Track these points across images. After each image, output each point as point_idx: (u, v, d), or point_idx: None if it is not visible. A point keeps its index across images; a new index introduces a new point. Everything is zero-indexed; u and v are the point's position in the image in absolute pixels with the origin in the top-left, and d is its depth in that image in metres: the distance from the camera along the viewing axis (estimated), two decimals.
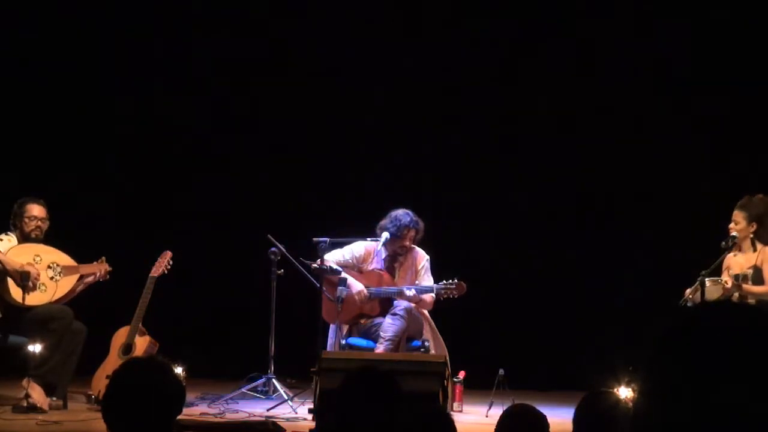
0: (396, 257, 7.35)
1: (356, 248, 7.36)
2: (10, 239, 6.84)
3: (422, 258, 7.39)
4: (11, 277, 6.65)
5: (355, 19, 8.89)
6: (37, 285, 6.70)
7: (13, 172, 8.19)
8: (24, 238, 6.85)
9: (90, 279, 6.95)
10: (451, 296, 7.19)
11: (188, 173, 8.96)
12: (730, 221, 6.54)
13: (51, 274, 6.81)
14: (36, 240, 6.87)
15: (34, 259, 6.76)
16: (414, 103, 8.80)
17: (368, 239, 7.32)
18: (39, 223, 6.88)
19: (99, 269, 6.94)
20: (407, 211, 7.23)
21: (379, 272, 7.32)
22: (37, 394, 6.45)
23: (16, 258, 6.69)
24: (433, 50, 8.89)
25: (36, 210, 6.90)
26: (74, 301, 6.93)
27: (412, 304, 7.17)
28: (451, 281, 7.19)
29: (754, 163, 8.05)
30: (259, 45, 9.00)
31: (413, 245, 7.32)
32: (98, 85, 8.87)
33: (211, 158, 8.99)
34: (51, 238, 6.98)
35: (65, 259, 6.91)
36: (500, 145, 8.80)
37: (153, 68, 8.92)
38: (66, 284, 6.86)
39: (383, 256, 7.30)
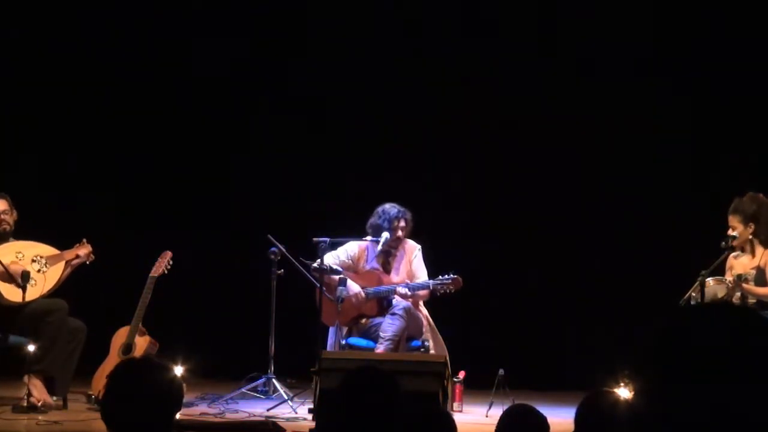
0: (390, 252, 7.35)
1: (350, 248, 7.36)
2: None
3: (413, 249, 7.40)
4: (1, 279, 6.64)
5: (355, 19, 8.89)
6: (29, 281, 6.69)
7: (13, 172, 8.17)
8: None
9: (76, 261, 6.93)
10: (447, 291, 7.18)
11: (188, 173, 8.96)
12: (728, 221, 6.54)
13: (37, 267, 6.79)
14: (5, 234, 6.85)
15: (16, 257, 6.75)
16: (414, 102, 8.80)
17: (367, 239, 7.32)
18: (3, 216, 6.83)
19: (82, 251, 6.93)
20: (392, 203, 7.26)
21: (377, 272, 7.32)
22: (38, 391, 6.45)
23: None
24: (432, 50, 8.88)
25: None
26: (73, 299, 6.92)
27: (410, 303, 7.17)
28: (447, 276, 7.19)
29: (753, 162, 8.04)
30: (259, 45, 8.99)
31: (405, 238, 7.32)
32: (98, 83, 8.87)
33: (211, 158, 8.98)
34: (51, 238, 6.97)
35: (47, 250, 6.89)
36: (500, 144, 8.79)
37: (154, 65, 8.92)
38: (54, 274, 6.84)
39: (375, 254, 7.30)
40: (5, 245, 6.82)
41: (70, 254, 6.91)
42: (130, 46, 8.91)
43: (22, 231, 6.95)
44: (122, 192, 8.84)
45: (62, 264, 6.88)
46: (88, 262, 6.96)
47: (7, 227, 6.86)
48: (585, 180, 8.68)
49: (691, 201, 8.19)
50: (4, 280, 6.65)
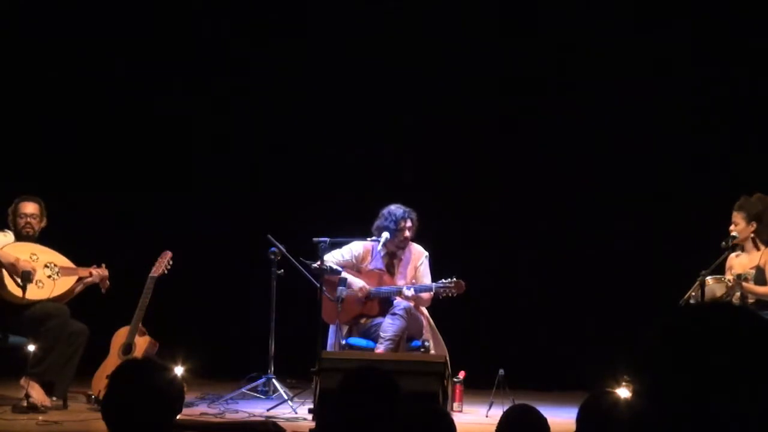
0: (395, 254, 7.35)
1: (355, 248, 7.36)
2: (5, 235, 6.84)
3: (420, 255, 7.40)
4: (7, 270, 6.65)
5: (356, 20, 8.89)
6: (34, 280, 6.68)
7: (13, 173, 8.18)
8: (17, 236, 6.85)
9: (89, 279, 6.93)
10: (450, 295, 7.18)
11: (188, 173, 8.96)
12: (729, 221, 6.55)
13: (48, 273, 6.80)
14: (29, 238, 6.86)
15: (30, 257, 6.76)
16: (415, 102, 8.80)
17: (368, 239, 7.32)
18: (30, 219, 6.86)
19: (98, 274, 6.92)
20: (397, 204, 7.26)
21: (379, 272, 7.32)
22: (36, 393, 6.46)
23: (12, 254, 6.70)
24: (433, 50, 8.89)
25: (29, 207, 6.89)
26: (74, 301, 6.93)
27: (411, 304, 7.18)
28: (449, 280, 7.18)
29: (754, 162, 8.04)
30: (259, 45, 9.00)
31: (411, 241, 7.32)
32: (98, 83, 8.87)
33: (211, 158, 8.98)
34: (50, 237, 6.97)
35: (63, 261, 6.90)
36: (501, 146, 8.79)
37: (152, 66, 8.91)
38: (64, 284, 6.84)
39: (382, 255, 7.30)
40: (24, 244, 6.83)
41: (84, 271, 6.92)
42: (132, 48, 8.92)
43: (49, 243, 6.96)
44: (122, 192, 8.83)
45: (74, 278, 6.88)
46: (103, 290, 6.94)
47: (31, 231, 6.87)
48: (585, 180, 8.67)
49: (691, 201, 8.19)
50: (10, 274, 6.66)
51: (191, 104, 8.95)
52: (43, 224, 6.94)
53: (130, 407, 2.66)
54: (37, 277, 6.71)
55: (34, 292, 6.67)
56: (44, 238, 6.96)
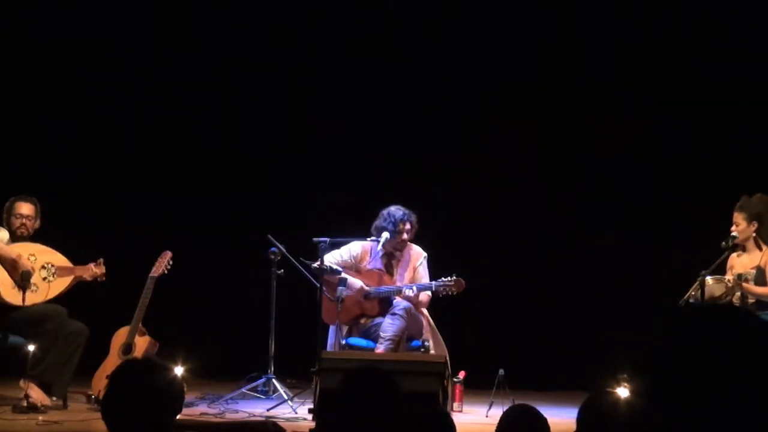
0: (393, 254, 7.35)
1: (354, 248, 7.36)
2: (1, 231, 6.83)
3: (419, 256, 7.39)
4: (7, 267, 6.64)
5: (356, 18, 8.89)
6: (30, 285, 6.67)
7: (13, 173, 8.17)
8: (11, 235, 6.84)
9: (84, 277, 6.92)
10: (449, 293, 7.18)
11: (188, 173, 8.96)
12: (729, 221, 6.55)
13: (44, 275, 6.78)
14: (22, 238, 6.85)
15: (29, 258, 6.75)
16: (415, 102, 8.80)
17: (367, 239, 7.32)
18: (24, 221, 6.85)
19: (95, 271, 6.91)
20: (397, 206, 7.26)
21: (378, 272, 7.32)
22: (35, 393, 6.46)
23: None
24: (432, 49, 8.88)
25: (24, 208, 6.88)
26: (74, 301, 6.92)
27: (411, 304, 7.17)
28: (449, 278, 7.18)
29: (754, 162, 8.04)
30: (258, 45, 8.99)
31: (409, 241, 7.32)
32: (98, 84, 8.87)
33: (211, 158, 8.98)
34: (48, 237, 6.96)
35: (60, 260, 6.89)
36: (500, 145, 8.79)
37: (152, 66, 8.92)
38: (59, 285, 6.82)
39: (380, 255, 7.30)
40: (22, 244, 6.82)
41: (81, 270, 6.91)
42: (131, 47, 8.92)
43: (47, 243, 6.96)
44: (122, 192, 8.84)
45: (70, 277, 6.87)
46: (99, 280, 6.93)
47: (25, 232, 6.86)
48: (585, 181, 8.66)
49: (691, 201, 8.19)
50: (9, 272, 6.64)
51: (191, 104, 8.95)
52: (36, 225, 6.93)
53: (130, 407, 2.66)
54: (32, 280, 6.70)
55: (28, 297, 6.66)
56: (41, 238, 6.94)
